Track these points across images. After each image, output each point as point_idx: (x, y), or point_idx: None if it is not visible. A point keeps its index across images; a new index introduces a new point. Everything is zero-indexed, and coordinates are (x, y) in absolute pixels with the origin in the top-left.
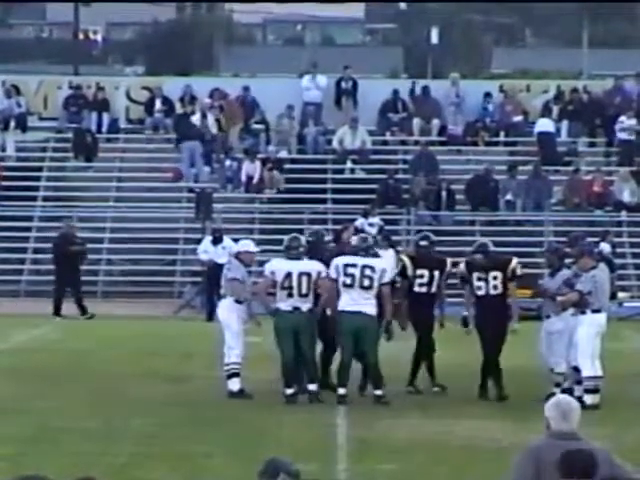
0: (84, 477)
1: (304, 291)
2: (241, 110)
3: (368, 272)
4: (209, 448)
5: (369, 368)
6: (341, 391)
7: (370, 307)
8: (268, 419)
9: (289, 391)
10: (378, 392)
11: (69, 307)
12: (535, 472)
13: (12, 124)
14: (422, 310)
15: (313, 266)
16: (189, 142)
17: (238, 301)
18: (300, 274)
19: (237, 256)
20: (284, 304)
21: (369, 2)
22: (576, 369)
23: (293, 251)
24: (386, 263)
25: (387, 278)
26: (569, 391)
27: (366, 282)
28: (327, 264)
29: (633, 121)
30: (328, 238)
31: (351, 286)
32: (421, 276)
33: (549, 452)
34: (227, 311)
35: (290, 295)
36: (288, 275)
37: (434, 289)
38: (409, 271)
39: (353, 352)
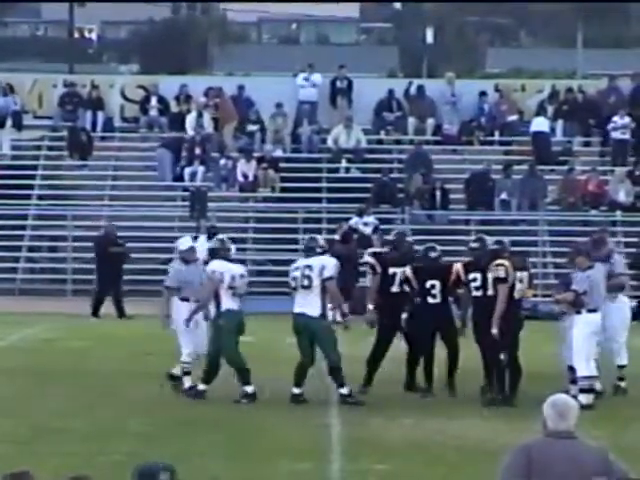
0: (79, 475)
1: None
2: (235, 109)
3: (307, 272)
4: (205, 448)
5: (331, 368)
6: (295, 390)
7: (311, 308)
8: (262, 419)
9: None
10: (343, 391)
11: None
12: (527, 472)
13: (8, 122)
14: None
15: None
16: (161, 149)
17: (185, 299)
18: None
19: (181, 257)
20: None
21: (365, 2)
22: (571, 368)
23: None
24: (326, 260)
25: (329, 273)
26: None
27: (305, 282)
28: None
29: (626, 120)
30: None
31: (295, 288)
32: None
33: (543, 451)
34: (175, 310)
35: None
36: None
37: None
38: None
39: (310, 353)
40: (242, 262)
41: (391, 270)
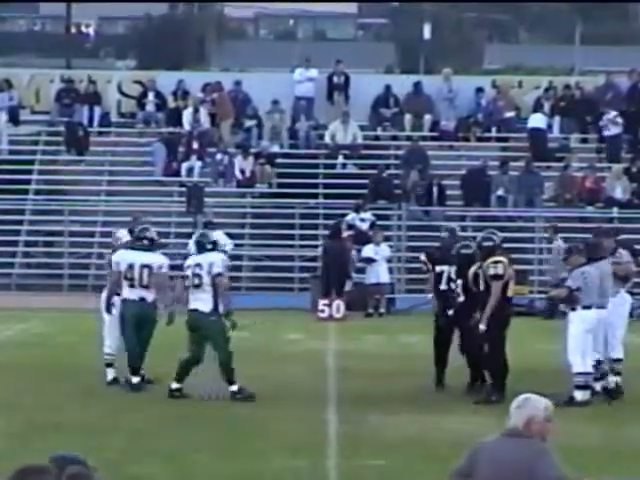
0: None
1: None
2: (232, 105)
3: (197, 270)
4: (200, 443)
5: (220, 365)
6: (173, 385)
7: (202, 304)
8: (258, 415)
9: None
10: (233, 388)
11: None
12: (469, 465)
13: (4, 117)
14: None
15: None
16: (157, 144)
17: (117, 294)
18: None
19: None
20: None
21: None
22: (598, 361)
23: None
24: (214, 256)
25: (217, 269)
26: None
27: (196, 281)
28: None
29: (612, 115)
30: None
31: (187, 287)
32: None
33: (488, 447)
34: (101, 303)
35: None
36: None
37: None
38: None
39: (198, 350)
40: (239, 257)
41: (438, 268)
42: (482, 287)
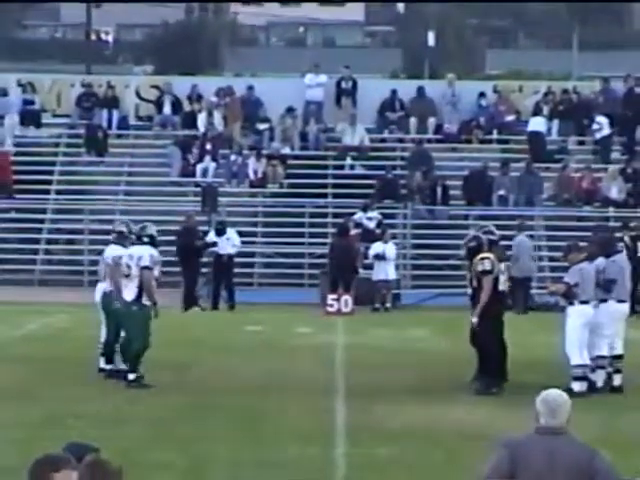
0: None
1: None
2: (241, 108)
3: (128, 260)
4: (214, 432)
5: (127, 350)
6: (130, 376)
7: (128, 293)
8: (270, 405)
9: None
10: (130, 376)
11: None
12: (510, 467)
13: (15, 119)
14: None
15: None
16: (172, 147)
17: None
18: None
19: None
20: None
21: (369, 2)
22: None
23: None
24: (145, 250)
25: (144, 262)
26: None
27: (126, 270)
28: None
29: (600, 119)
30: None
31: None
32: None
33: (529, 447)
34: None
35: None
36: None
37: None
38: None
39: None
40: (251, 254)
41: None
42: (474, 284)
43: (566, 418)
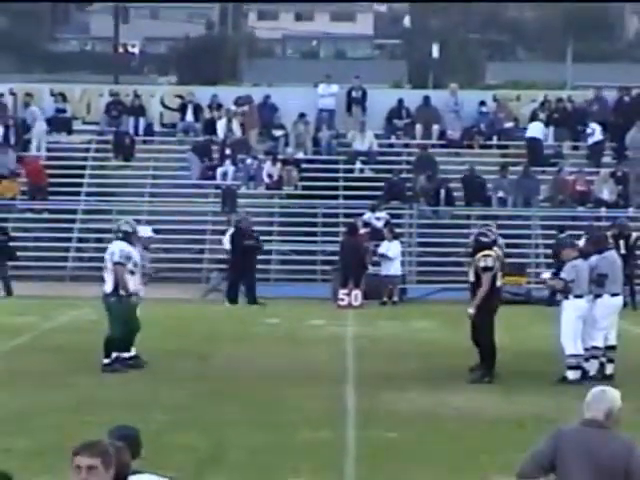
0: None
1: None
2: (258, 116)
3: (107, 255)
4: (233, 417)
5: (106, 337)
6: (105, 360)
7: (106, 286)
8: (285, 391)
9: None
10: (105, 360)
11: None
12: (552, 453)
13: (43, 126)
14: None
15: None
16: (189, 153)
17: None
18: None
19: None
20: None
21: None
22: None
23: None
24: (117, 246)
25: (116, 258)
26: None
27: (105, 264)
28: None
29: (593, 126)
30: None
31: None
32: None
33: (571, 436)
34: None
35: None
36: None
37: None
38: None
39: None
40: (268, 252)
41: None
42: (472, 278)
43: (604, 412)
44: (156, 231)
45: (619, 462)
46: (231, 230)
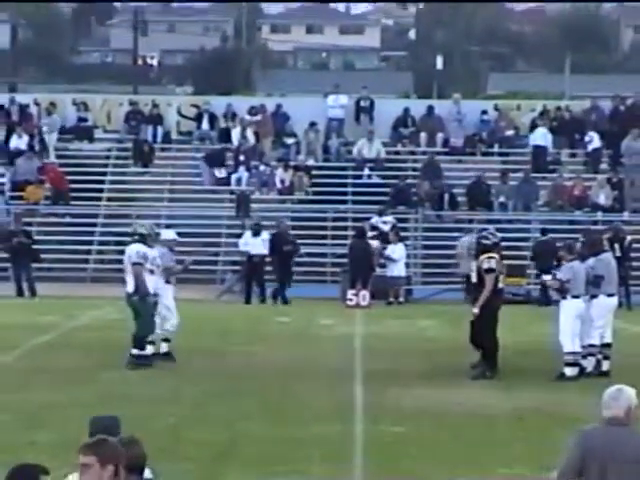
0: (129, 437)
1: None
2: (272, 125)
3: (124, 257)
4: (248, 412)
5: (133, 334)
6: (133, 351)
7: (128, 286)
8: (297, 387)
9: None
10: (134, 351)
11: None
12: (580, 455)
13: (54, 137)
14: None
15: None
16: (201, 161)
17: (167, 281)
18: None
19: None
20: None
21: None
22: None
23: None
24: (133, 249)
25: (133, 259)
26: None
27: (123, 266)
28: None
29: (591, 134)
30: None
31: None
32: None
33: (593, 436)
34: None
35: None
36: None
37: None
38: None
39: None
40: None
41: None
42: (475, 279)
43: (623, 410)
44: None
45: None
46: (267, 235)
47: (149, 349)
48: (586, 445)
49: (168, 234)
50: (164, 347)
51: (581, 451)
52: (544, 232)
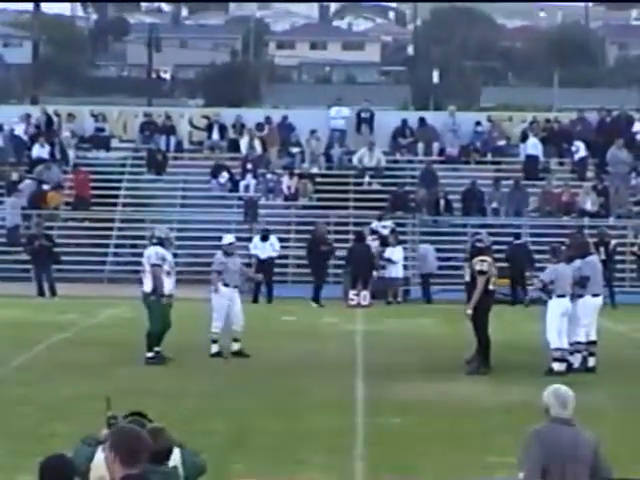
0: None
1: None
2: (278, 135)
3: (143, 259)
4: (256, 405)
5: (147, 333)
6: (148, 354)
7: (145, 286)
8: (302, 382)
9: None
10: (148, 354)
11: None
12: (544, 455)
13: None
14: None
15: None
16: (213, 179)
17: (226, 284)
18: None
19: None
20: None
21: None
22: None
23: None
24: (152, 250)
25: (152, 261)
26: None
27: (142, 267)
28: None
29: (578, 144)
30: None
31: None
32: None
33: (552, 435)
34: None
35: None
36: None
37: None
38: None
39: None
40: (285, 257)
41: None
42: (468, 278)
43: (572, 410)
44: (185, 238)
45: (593, 453)
46: (275, 239)
47: (214, 348)
48: (546, 445)
49: (228, 238)
50: (235, 346)
51: (544, 451)
52: (517, 236)
